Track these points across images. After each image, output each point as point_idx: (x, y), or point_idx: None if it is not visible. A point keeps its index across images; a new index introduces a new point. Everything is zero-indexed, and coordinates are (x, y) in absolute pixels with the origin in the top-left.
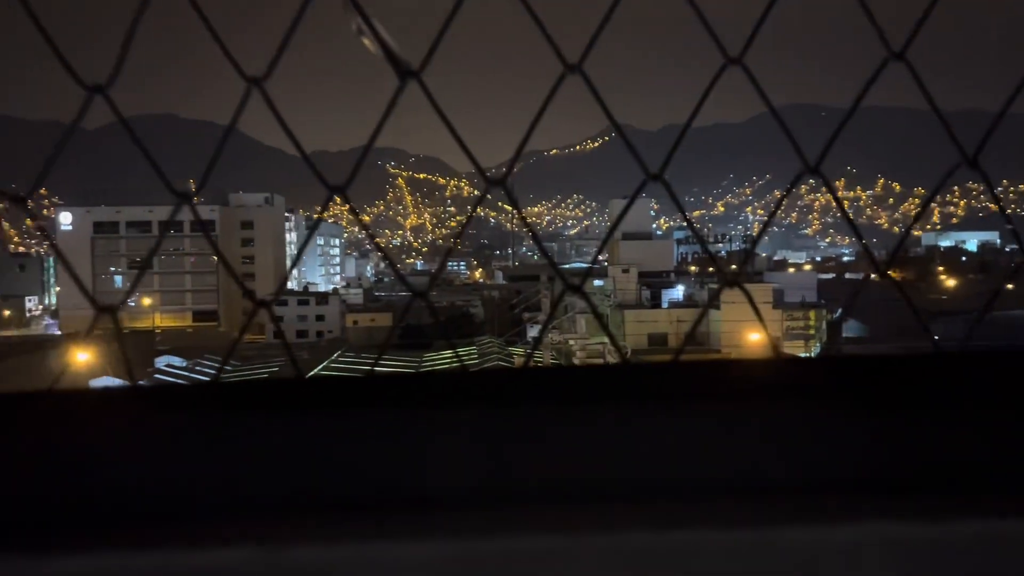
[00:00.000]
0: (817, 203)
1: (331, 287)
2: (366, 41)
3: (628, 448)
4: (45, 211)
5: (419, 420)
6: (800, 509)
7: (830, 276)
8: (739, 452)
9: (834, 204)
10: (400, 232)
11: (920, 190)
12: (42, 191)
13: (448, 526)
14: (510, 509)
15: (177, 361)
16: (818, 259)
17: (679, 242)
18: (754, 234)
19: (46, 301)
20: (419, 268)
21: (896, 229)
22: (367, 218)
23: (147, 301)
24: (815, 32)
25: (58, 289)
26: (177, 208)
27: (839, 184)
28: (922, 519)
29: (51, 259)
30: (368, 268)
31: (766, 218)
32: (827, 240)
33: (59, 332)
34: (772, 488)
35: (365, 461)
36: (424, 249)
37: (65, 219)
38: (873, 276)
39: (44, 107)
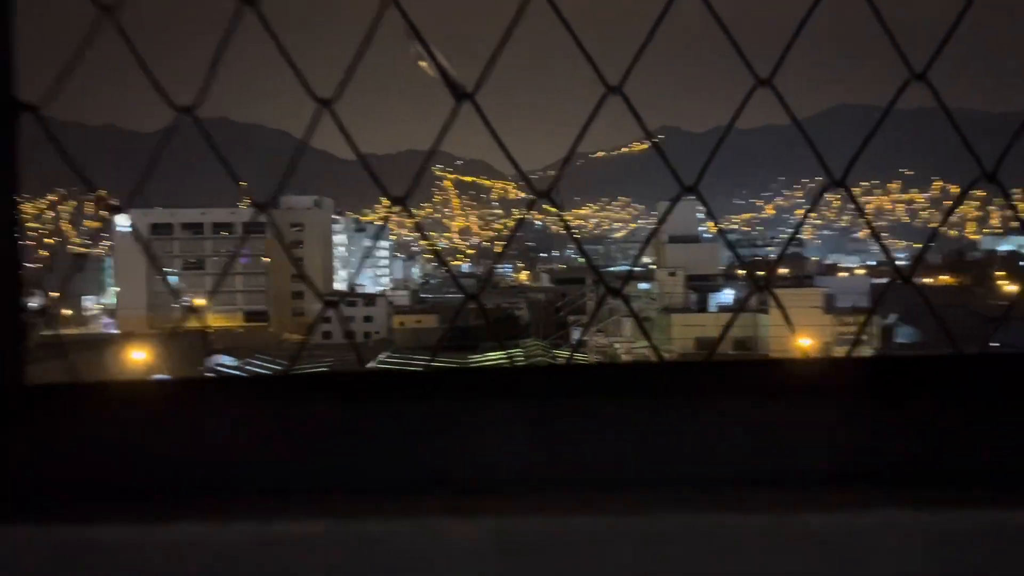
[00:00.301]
0: (870, 206)
1: (379, 289)
2: (423, 64)
3: (657, 439)
4: (103, 212)
5: (469, 412)
6: (813, 498)
7: (884, 280)
8: (757, 445)
9: (888, 206)
10: (447, 234)
11: (979, 192)
12: (102, 193)
13: (495, 506)
14: (550, 493)
15: (228, 360)
16: (871, 263)
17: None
18: (804, 237)
19: (103, 301)
20: (464, 270)
21: (954, 232)
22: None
23: (199, 301)
24: (866, 29)
25: (116, 289)
26: (257, 214)
27: (894, 187)
28: (930, 509)
29: (108, 259)
30: (414, 270)
31: (818, 221)
32: None
33: (116, 331)
34: (786, 478)
35: (426, 447)
36: (471, 251)
37: (123, 220)
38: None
39: (101, 113)
